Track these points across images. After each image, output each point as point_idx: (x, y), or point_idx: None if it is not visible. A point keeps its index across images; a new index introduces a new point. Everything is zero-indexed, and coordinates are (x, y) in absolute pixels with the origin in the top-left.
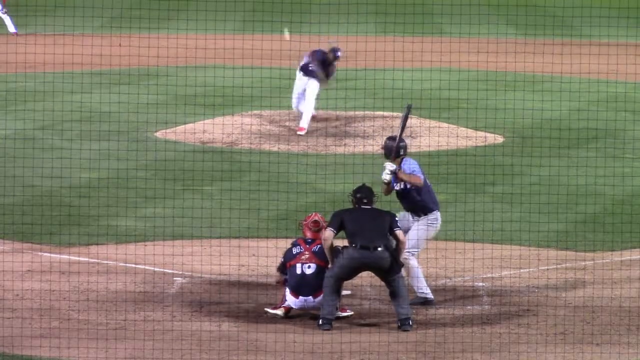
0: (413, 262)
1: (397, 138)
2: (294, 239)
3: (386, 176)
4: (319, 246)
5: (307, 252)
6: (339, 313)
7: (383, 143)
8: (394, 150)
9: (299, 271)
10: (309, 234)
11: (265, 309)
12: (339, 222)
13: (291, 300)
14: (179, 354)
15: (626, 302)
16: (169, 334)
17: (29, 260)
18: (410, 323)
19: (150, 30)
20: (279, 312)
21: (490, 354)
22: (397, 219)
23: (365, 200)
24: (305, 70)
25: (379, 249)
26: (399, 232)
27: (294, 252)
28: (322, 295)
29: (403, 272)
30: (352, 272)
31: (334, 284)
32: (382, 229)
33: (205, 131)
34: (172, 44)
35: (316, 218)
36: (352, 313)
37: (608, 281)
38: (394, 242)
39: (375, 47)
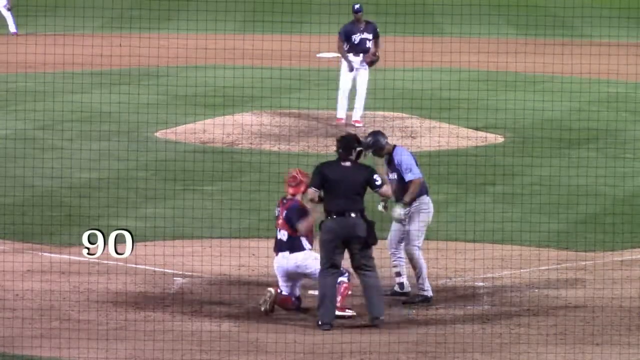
0: (419, 257)
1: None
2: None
3: (397, 215)
4: (285, 212)
5: (280, 218)
6: (338, 312)
7: (371, 139)
8: (368, 146)
9: (277, 235)
10: (290, 190)
11: (259, 303)
12: (321, 178)
13: (275, 263)
14: (179, 354)
15: (626, 302)
16: (169, 334)
17: (29, 260)
18: (382, 319)
19: (150, 30)
20: (269, 291)
21: (490, 354)
22: (375, 176)
23: (340, 150)
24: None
25: (352, 214)
26: (381, 191)
27: (276, 213)
28: (297, 255)
29: (403, 271)
30: (335, 247)
31: (329, 279)
32: (357, 193)
33: (205, 131)
34: (172, 44)
35: (294, 173)
36: (354, 314)
37: (608, 281)
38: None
39: None
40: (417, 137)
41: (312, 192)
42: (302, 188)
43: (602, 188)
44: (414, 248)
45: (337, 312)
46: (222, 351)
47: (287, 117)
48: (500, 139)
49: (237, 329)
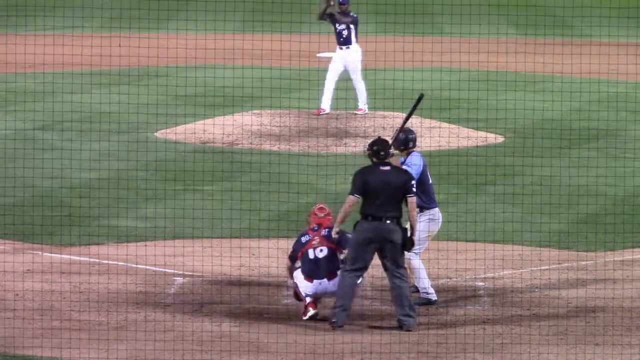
0: (415, 262)
1: (399, 128)
2: (301, 230)
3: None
4: (326, 230)
5: (316, 237)
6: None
7: (414, 136)
8: (399, 141)
9: (311, 256)
10: (315, 221)
11: (303, 317)
12: (362, 184)
13: (305, 287)
14: (179, 354)
15: (626, 302)
16: (169, 334)
17: (29, 261)
18: (413, 322)
19: (150, 30)
20: (311, 311)
21: (490, 354)
22: (413, 182)
23: (382, 153)
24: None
25: (388, 221)
26: (411, 200)
27: (303, 241)
28: (336, 279)
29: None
30: (365, 250)
31: (350, 280)
32: (395, 199)
33: (205, 131)
34: (172, 44)
35: (322, 205)
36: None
37: (608, 281)
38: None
39: (375, 47)
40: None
41: (354, 199)
42: (329, 221)
43: (602, 188)
44: (411, 254)
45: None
46: (222, 351)
47: (287, 117)
48: (500, 139)
49: (237, 329)
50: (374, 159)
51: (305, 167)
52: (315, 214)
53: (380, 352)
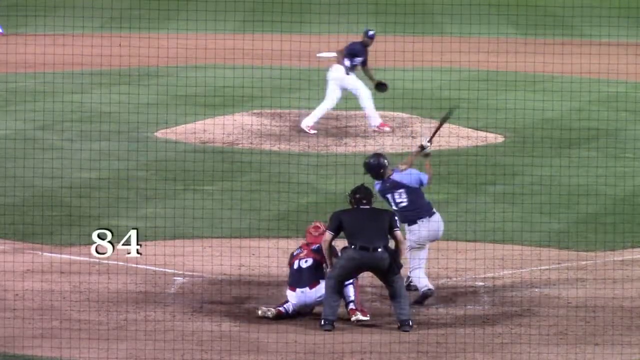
0: (412, 266)
1: (430, 138)
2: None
3: (427, 143)
4: (317, 245)
5: (305, 250)
6: (360, 316)
7: (374, 161)
8: (374, 170)
9: (296, 267)
10: (309, 239)
11: (261, 307)
12: (338, 223)
13: (291, 296)
14: (179, 354)
15: (626, 302)
16: (169, 334)
17: (29, 260)
18: (410, 324)
19: (150, 30)
20: (270, 312)
21: (490, 354)
22: (396, 218)
23: (364, 201)
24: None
25: (379, 249)
26: (397, 233)
27: (294, 254)
28: (320, 288)
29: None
30: (351, 272)
31: (335, 285)
32: (381, 229)
33: (205, 131)
34: (172, 44)
35: (317, 224)
36: (368, 318)
37: (608, 281)
38: (393, 242)
39: (376, 47)
40: (417, 137)
41: (328, 234)
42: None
43: (602, 188)
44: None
45: (361, 317)
46: (222, 351)
47: (287, 117)
48: (500, 139)
49: (237, 329)
50: (355, 206)
51: (305, 167)
52: (310, 233)
53: (380, 352)
